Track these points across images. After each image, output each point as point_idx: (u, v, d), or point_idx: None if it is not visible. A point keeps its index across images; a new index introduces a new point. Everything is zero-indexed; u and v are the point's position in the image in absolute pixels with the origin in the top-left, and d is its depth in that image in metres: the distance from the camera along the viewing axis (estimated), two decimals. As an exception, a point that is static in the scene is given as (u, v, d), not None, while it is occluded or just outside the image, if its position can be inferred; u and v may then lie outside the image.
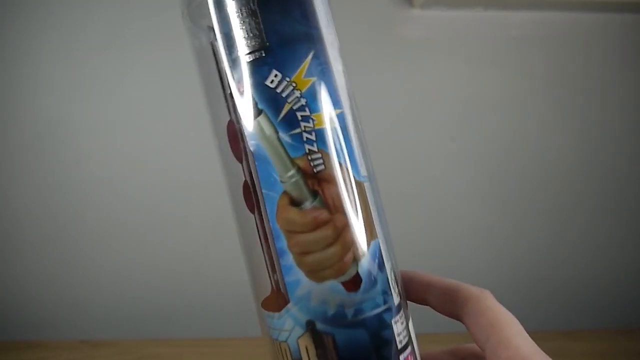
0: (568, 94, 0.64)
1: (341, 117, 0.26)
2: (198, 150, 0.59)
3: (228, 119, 0.30)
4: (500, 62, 0.63)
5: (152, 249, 0.60)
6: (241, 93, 0.26)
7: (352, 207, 0.26)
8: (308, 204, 0.25)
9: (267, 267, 0.29)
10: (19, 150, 0.59)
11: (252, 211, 0.29)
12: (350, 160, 0.26)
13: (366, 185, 0.27)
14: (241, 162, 0.29)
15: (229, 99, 0.28)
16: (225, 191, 0.66)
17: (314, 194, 0.25)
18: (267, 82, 0.25)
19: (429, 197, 0.63)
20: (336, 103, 0.27)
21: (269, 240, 0.26)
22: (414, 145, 0.64)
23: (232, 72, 0.26)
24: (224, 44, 0.26)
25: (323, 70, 0.27)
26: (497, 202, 0.64)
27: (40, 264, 0.60)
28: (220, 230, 0.59)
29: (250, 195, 0.29)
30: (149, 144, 0.60)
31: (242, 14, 0.26)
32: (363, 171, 0.27)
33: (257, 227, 0.29)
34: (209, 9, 0.28)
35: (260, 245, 0.30)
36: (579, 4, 0.59)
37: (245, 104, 0.26)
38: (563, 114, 0.64)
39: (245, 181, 0.29)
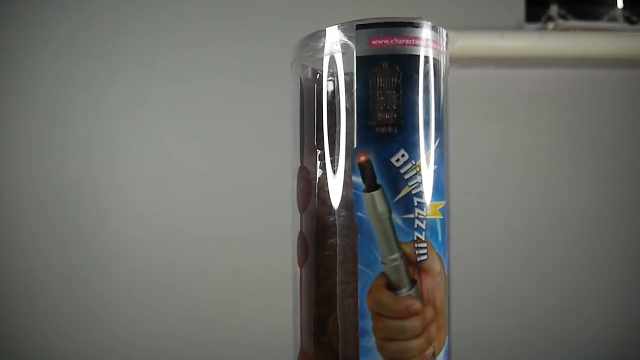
0: (578, 147, 0.69)
1: (444, 209, 0.27)
2: (219, 208, 0.62)
3: (299, 165, 0.28)
4: (512, 118, 0.67)
5: (174, 303, 0.62)
6: (351, 159, 0.25)
7: (441, 301, 0.26)
8: (404, 291, 0.25)
9: (300, 324, 0.29)
10: (43, 206, 0.61)
11: (301, 265, 0.29)
12: (445, 254, 0.27)
13: (448, 279, 0.27)
14: (302, 213, 0.28)
15: (317, 146, 0.28)
16: (243, 247, 0.63)
17: (412, 283, 0.25)
18: (393, 160, 0.25)
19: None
20: (445, 194, 0.27)
21: (351, 315, 0.26)
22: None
23: (350, 136, 0.26)
24: (349, 106, 0.26)
25: (442, 159, 0.27)
26: (511, 254, 0.67)
27: (64, 318, 0.61)
28: (238, 286, 0.62)
29: (304, 248, 0.29)
30: (170, 202, 0.63)
31: (384, 84, 0.26)
32: (448, 265, 0.27)
33: (300, 281, 0.29)
34: (338, 67, 0.27)
35: (300, 299, 0.29)
36: (587, 60, 0.62)
37: (360, 173, 0.25)
38: (574, 167, 0.69)
39: (301, 232, 0.29)
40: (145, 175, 0.64)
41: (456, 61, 0.62)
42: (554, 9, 0.63)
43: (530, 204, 0.69)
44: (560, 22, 0.62)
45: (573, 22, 0.62)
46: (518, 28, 0.63)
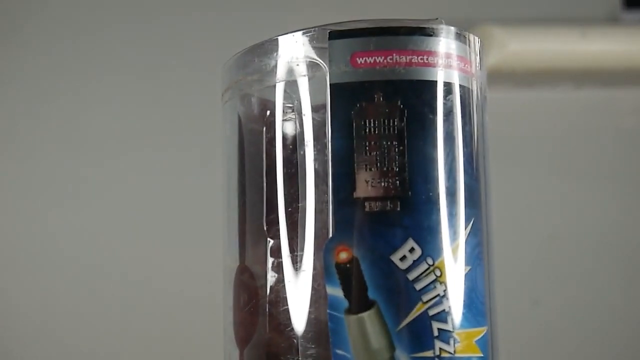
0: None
1: (485, 341, 0.23)
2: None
3: (237, 264, 0.27)
4: (606, 172, 0.63)
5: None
6: (325, 257, 0.23)
7: None
8: None
9: None
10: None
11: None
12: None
13: None
14: (242, 349, 0.26)
15: (268, 234, 0.25)
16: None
17: None
18: (395, 258, 0.22)
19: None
20: (488, 314, 0.24)
21: None
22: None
23: (321, 217, 0.23)
24: (320, 167, 0.24)
25: (481, 254, 0.23)
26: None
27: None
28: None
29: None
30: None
31: (378, 130, 0.23)
32: None
33: None
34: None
35: None
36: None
37: (340, 281, 0.23)
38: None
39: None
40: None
41: (508, 78, 0.55)
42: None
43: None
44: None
45: None
46: (611, 19, 0.57)
